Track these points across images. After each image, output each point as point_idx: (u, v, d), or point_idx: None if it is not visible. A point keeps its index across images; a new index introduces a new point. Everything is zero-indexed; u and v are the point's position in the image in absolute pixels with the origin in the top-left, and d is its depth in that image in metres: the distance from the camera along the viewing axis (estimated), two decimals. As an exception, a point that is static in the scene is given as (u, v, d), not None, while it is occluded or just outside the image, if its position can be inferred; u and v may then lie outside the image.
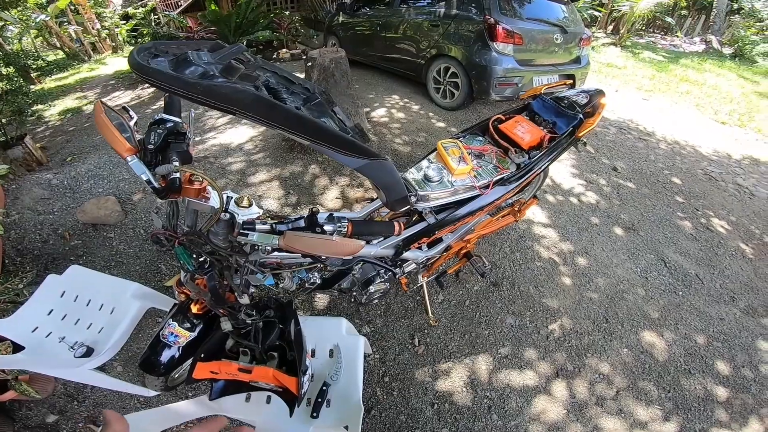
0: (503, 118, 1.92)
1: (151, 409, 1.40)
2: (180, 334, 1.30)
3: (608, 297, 2.38)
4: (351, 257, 1.33)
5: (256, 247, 1.02)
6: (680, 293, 2.49)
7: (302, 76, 3.58)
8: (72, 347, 1.55)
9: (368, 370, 1.92)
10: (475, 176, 1.63)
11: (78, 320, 1.66)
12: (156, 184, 0.93)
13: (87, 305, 1.68)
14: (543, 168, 1.79)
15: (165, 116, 1.04)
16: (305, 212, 1.12)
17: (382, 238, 1.51)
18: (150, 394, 1.74)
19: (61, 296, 1.71)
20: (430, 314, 2.14)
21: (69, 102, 6.28)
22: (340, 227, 1.01)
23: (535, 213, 2.96)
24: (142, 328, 2.12)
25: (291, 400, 1.16)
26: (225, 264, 1.04)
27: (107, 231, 2.59)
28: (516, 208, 2.08)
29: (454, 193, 1.59)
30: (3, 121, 3.56)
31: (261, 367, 1.16)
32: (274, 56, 7.25)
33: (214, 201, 1.03)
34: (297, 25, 7.50)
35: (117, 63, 7.76)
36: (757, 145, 4.67)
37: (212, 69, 0.83)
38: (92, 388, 1.88)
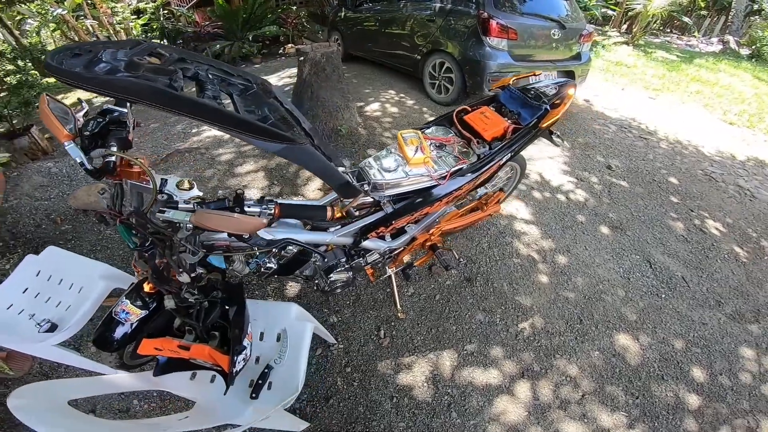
0: (469, 109, 1.91)
1: (86, 377, 1.45)
2: (131, 312, 1.35)
3: (585, 297, 2.33)
4: (272, 242, 1.35)
5: (178, 225, 1.06)
6: (663, 296, 2.42)
7: (296, 70, 3.62)
8: (38, 324, 1.60)
9: (331, 360, 1.94)
10: (432, 166, 1.63)
11: (49, 298, 1.73)
12: (89, 167, 1.00)
13: (59, 284, 1.75)
14: (506, 159, 1.78)
15: (111, 107, 1.13)
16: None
17: (338, 225, 1.54)
18: (109, 372, 1.80)
19: (37, 275, 1.78)
20: (399, 306, 2.14)
21: (81, 94, 6.49)
22: (266, 209, 1.05)
23: (518, 209, 2.93)
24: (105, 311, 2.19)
25: (227, 378, 1.20)
26: (167, 243, 1.09)
27: (96, 216, 2.68)
28: (483, 202, 2.05)
29: (409, 182, 1.59)
30: (10, 112, 3.72)
31: (199, 345, 1.20)
32: (281, 51, 7.34)
33: (152, 185, 1.09)
34: (303, 20, 7.57)
35: (129, 57, 7.98)
36: (764, 147, 4.51)
37: (120, 65, 0.90)
38: (66, 367, 1.93)
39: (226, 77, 1.20)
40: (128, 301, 1.36)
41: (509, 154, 1.78)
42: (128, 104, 1.15)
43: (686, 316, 2.32)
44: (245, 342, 1.24)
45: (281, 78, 5.46)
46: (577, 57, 4.33)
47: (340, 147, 3.37)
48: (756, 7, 10.74)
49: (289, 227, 1.44)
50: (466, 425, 1.73)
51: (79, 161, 0.99)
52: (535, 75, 2.02)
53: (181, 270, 1.10)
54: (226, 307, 1.30)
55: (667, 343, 2.15)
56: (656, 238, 2.86)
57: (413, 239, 1.85)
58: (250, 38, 6.86)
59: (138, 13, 8.56)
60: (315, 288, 1.75)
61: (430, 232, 1.89)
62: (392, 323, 2.11)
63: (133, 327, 1.37)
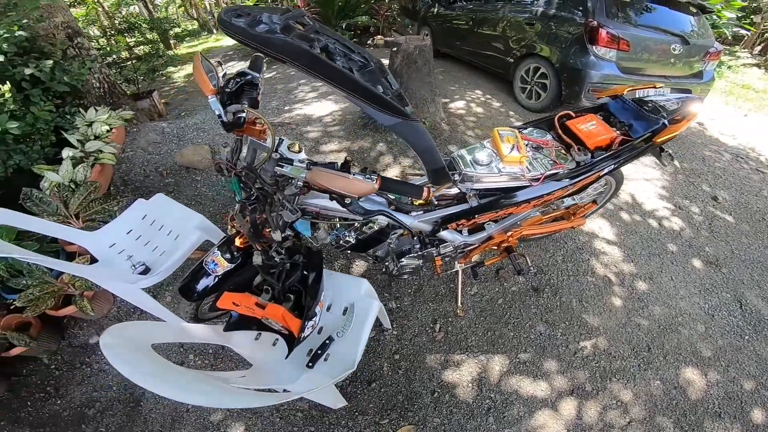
0: (573, 115, 1.79)
1: (167, 324, 1.57)
2: (219, 263, 1.46)
3: (660, 327, 2.13)
4: (369, 212, 1.38)
5: (290, 181, 1.12)
6: (746, 337, 2.14)
7: (387, 61, 3.68)
8: (133, 266, 1.79)
9: (382, 344, 1.96)
10: (526, 167, 1.56)
11: (148, 242, 1.93)
12: (225, 119, 1.12)
13: (159, 230, 1.95)
14: (607, 170, 1.64)
15: (246, 70, 1.25)
16: None
17: (420, 211, 1.54)
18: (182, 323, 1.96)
19: (142, 219, 2.01)
20: (459, 303, 2.11)
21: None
22: (369, 178, 1.08)
23: (601, 227, 2.72)
24: (193, 262, 2.40)
25: (292, 342, 1.25)
26: (268, 200, 1.17)
27: (196, 174, 2.99)
28: (571, 212, 1.92)
29: (500, 179, 1.55)
30: (139, 77, 4.27)
31: (274, 305, 1.25)
32: (370, 42, 7.50)
33: (270, 143, 1.17)
34: (394, 13, 7.65)
35: (236, 37, 8.70)
36: None
37: (276, 27, 1.00)
38: (139, 314, 2.13)
39: (348, 53, 1.26)
40: (219, 253, 1.48)
41: (612, 166, 1.65)
42: (261, 69, 1.25)
43: (766, 359, 2.04)
44: (316, 309, 1.29)
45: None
46: (698, 75, 3.87)
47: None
48: None
49: (375, 203, 1.46)
50: None
51: (217, 113, 1.11)
52: (655, 87, 1.83)
53: (277, 227, 1.17)
54: (305, 273, 1.35)
55: (737, 383, 1.93)
56: (753, 280, 2.50)
57: (490, 238, 1.79)
58: (343, 26, 7.10)
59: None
60: (383, 270, 1.77)
61: (509, 233, 1.81)
62: (449, 319, 2.09)
63: (215, 281, 1.48)
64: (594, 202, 2.13)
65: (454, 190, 1.66)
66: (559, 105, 3.95)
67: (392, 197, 1.50)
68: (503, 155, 1.54)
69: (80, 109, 2.87)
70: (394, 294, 2.17)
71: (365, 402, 1.78)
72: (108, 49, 4.44)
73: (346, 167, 1.15)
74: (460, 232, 1.74)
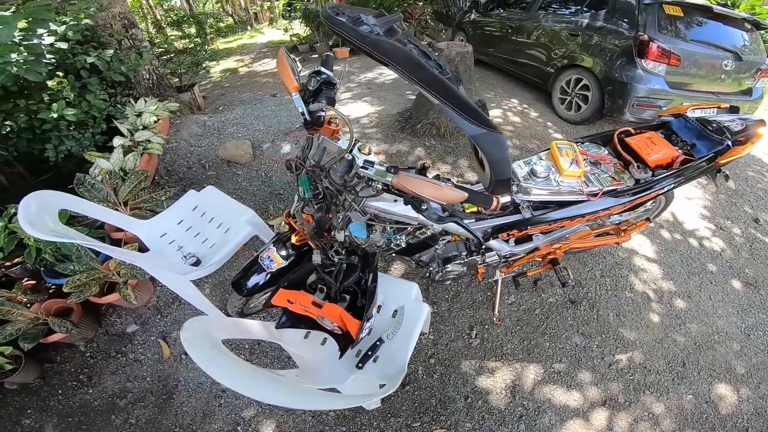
0: (632, 132, 1.77)
1: (229, 317, 1.60)
2: (275, 259, 1.49)
3: (696, 344, 2.13)
4: (442, 219, 1.39)
5: (369, 184, 1.14)
6: None
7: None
8: (185, 256, 1.79)
9: (418, 348, 1.96)
10: (584, 182, 1.54)
11: (198, 234, 1.94)
12: (307, 117, 1.16)
13: (209, 222, 1.97)
14: (666, 189, 1.62)
15: (321, 69, 1.29)
16: None
17: (473, 219, 1.54)
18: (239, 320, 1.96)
19: (193, 210, 2.03)
20: (496, 311, 2.12)
21: (229, 63, 7.39)
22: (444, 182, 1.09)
23: (641, 245, 2.68)
24: (238, 257, 2.45)
25: (346, 343, 1.25)
26: (334, 200, 1.19)
27: (237, 168, 3.05)
28: (622, 228, 1.90)
29: (557, 192, 1.54)
30: (182, 70, 4.39)
31: (332, 305, 1.26)
32: (406, 46, 7.53)
33: (342, 144, 1.19)
34: (428, 17, 7.65)
35: (271, 33, 8.87)
36: None
37: (377, 29, 1.02)
38: (177, 305, 2.18)
39: (426, 60, 1.27)
40: (275, 249, 1.50)
41: (672, 185, 1.62)
42: (345, 68, 1.28)
43: None
44: (373, 311, 1.30)
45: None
46: (748, 92, 3.75)
47: (460, 147, 3.36)
48: None
49: (439, 211, 1.46)
50: None
51: (300, 111, 1.15)
52: (719, 107, 1.79)
53: (342, 227, 1.19)
54: (362, 274, 1.36)
55: (767, 400, 1.94)
56: None
57: (536, 249, 1.78)
58: (378, 29, 7.15)
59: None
60: (426, 275, 1.78)
61: (556, 246, 1.80)
62: (486, 326, 2.10)
63: (267, 278, 1.51)
64: (648, 219, 2.09)
65: (506, 200, 1.65)
66: (600, 118, 3.89)
67: (445, 204, 1.50)
68: (562, 169, 1.53)
69: (130, 99, 2.97)
70: (432, 299, 2.18)
71: (398, 404, 1.79)
72: (157, 41, 4.60)
73: (422, 173, 1.15)
74: (507, 241, 1.74)
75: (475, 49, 5.69)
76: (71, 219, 2.08)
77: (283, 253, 1.49)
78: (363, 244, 1.51)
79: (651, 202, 2.05)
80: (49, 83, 2.49)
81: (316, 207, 1.22)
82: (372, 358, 1.37)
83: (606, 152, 1.73)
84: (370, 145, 1.22)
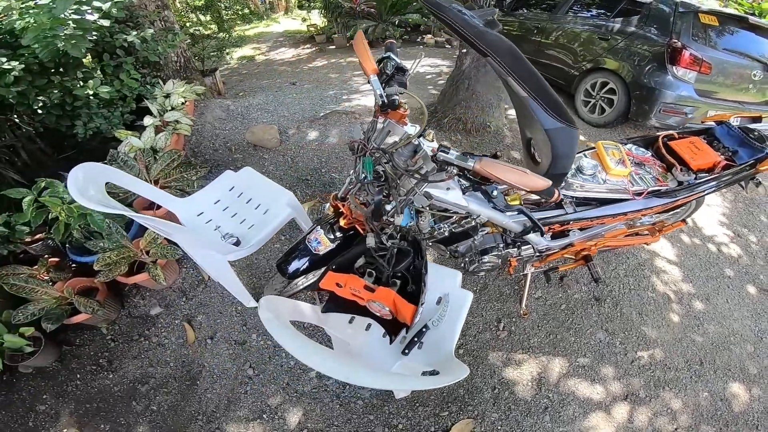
0: (676, 136, 1.80)
1: (290, 300, 1.60)
2: (322, 242, 1.50)
3: (713, 344, 2.21)
4: (510, 207, 1.42)
5: (445, 167, 1.14)
6: None
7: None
8: (224, 236, 1.78)
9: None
10: (630, 181, 1.58)
11: (235, 214, 1.94)
12: (385, 100, 1.17)
13: (247, 203, 1.97)
14: (707, 192, 1.68)
15: (391, 55, 1.31)
16: None
17: (515, 211, 1.55)
18: (249, 305, 1.96)
19: (230, 190, 2.04)
20: (524, 305, 2.16)
21: (246, 51, 7.38)
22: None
23: (663, 248, 2.74)
24: (280, 240, 2.46)
25: (396, 328, 1.24)
26: (394, 183, 1.20)
27: (263, 153, 3.07)
28: (657, 228, 1.94)
29: (603, 189, 1.57)
30: (210, 54, 4.38)
31: (385, 289, 1.24)
32: (419, 39, 7.52)
33: (409, 129, 1.20)
34: (449, 16, 7.62)
35: (287, 23, 8.85)
36: None
37: (477, 22, 1.03)
38: (203, 288, 2.17)
39: None
40: (322, 231, 1.51)
41: (714, 188, 1.67)
42: (421, 55, 1.29)
43: None
44: (424, 297, 1.31)
45: (421, 65, 5.59)
46: (772, 103, 3.74)
47: (485, 143, 3.37)
48: None
49: (480, 200, 1.47)
50: (555, 431, 1.74)
51: (378, 93, 1.15)
52: (762, 117, 1.83)
53: (400, 210, 1.20)
54: (412, 260, 1.37)
55: None
56: None
57: (570, 244, 1.80)
58: (395, 23, 7.12)
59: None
60: (462, 265, 1.79)
61: (590, 242, 1.82)
62: (513, 319, 2.14)
63: (311, 261, 1.51)
64: (683, 221, 2.12)
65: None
66: (624, 122, 3.90)
67: (495, 194, 1.50)
68: (608, 167, 1.56)
69: (160, 80, 2.98)
70: (461, 289, 2.21)
71: (426, 394, 1.80)
72: (188, 24, 4.60)
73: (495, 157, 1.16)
74: (544, 236, 1.75)
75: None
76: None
77: (331, 236, 1.50)
78: (408, 231, 1.51)
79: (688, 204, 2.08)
80: (84, 61, 2.50)
81: (377, 190, 1.23)
82: (417, 345, 1.38)
83: (650, 154, 1.75)
84: (432, 132, 1.23)
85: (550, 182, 1.04)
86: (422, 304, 1.24)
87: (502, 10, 5.58)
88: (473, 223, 1.55)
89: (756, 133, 1.74)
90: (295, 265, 1.53)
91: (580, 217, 1.60)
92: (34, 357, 1.71)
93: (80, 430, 1.69)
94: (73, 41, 1.90)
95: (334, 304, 1.33)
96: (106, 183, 1.57)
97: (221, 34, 4.90)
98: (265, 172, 2.88)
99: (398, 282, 1.34)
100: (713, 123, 1.89)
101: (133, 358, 1.90)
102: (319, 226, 1.53)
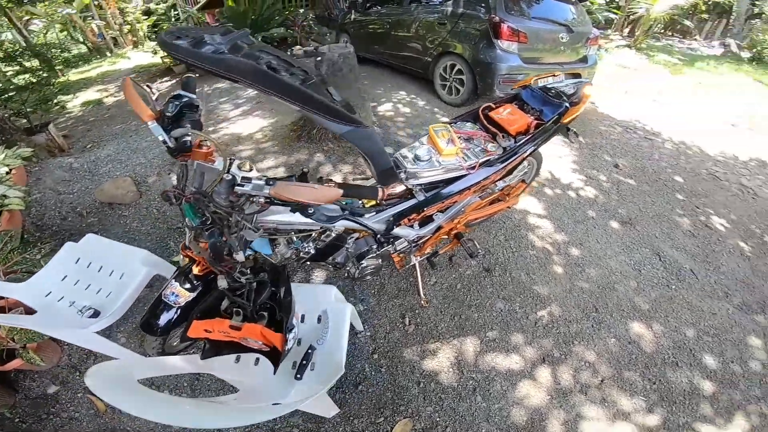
0: (493, 106, 2.01)
1: (147, 357, 1.49)
2: (180, 294, 1.41)
3: (599, 287, 2.40)
4: (332, 219, 1.44)
5: (251, 200, 1.13)
6: (673, 287, 2.50)
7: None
8: (80, 311, 1.64)
9: (359, 347, 2.00)
10: (462, 157, 1.72)
11: (89, 285, 1.76)
12: (171, 144, 1.10)
13: (98, 271, 1.79)
14: (529, 151, 1.87)
15: (182, 92, 1.23)
16: None
17: (373, 212, 1.61)
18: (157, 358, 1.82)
19: (76, 263, 1.83)
20: (422, 295, 2.21)
21: (91, 94, 6.52)
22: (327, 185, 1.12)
23: (531, 204, 3.02)
24: (147, 300, 2.24)
25: (276, 357, 1.24)
26: (225, 222, 1.16)
27: (122, 210, 2.75)
28: (505, 193, 2.15)
29: (441, 171, 1.68)
30: (28, 109, 3.77)
31: (251, 324, 1.25)
32: (289, 52, 7.41)
33: (219, 165, 1.15)
34: (311, 22, 7.65)
35: (138, 57, 8.03)
36: (766, 148, 4.61)
37: (222, 47, 1.00)
38: (94, 359, 1.96)
39: (289, 68, 1.28)
40: (177, 284, 1.42)
41: (533, 147, 1.89)
42: (203, 89, 1.23)
43: (696, 306, 2.39)
44: (293, 321, 1.30)
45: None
46: (584, 60, 4.44)
47: (357, 144, 3.45)
48: (757, 10, 10.88)
49: (331, 211, 1.51)
50: (491, 408, 1.79)
51: (161, 139, 1.08)
52: (554, 76, 2.12)
53: (238, 248, 1.17)
54: (273, 289, 1.36)
55: (680, 332, 2.22)
56: (664, 233, 2.95)
57: (439, 228, 1.93)
58: (259, 39, 6.94)
59: (148, 13, 8.63)
60: (345, 275, 1.82)
61: (456, 220, 1.97)
62: (416, 311, 2.18)
63: (178, 313, 1.42)
64: (523, 181, 2.38)
65: (400, 188, 1.76)
66: (477, 98, 4.28)
67: (344, 203, 1.56)
68: (441, 149, 1.69)
69: (-34, 154, 2.50)
70: (359, 297, 2.22)
71: (357, 405, 1.79)
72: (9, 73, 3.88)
73: (303, 179, 1.18)
74: (412, 226, 1.86)
75: (359, 47, 5.88)
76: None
77: (188, 285, 1.41)
78: (273, 259, 1.49)
79: (524, 165, 2.35)
80: None
81: (207, 234, 1.18)
82: (308, 367, 1.38)
83: (477, 128, 1.95)
84: (249, 161, 1.21)
85: (340, 191, 1.10)
86: (289, 330, 1.24)
87: (358, 11, 5.76)
88: (334, 235, 1.58)
89: (553, 91, 2.02)
90: (162, 321, 1.42)
91: (431, 201, 1.71)
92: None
93: None
94: None
95: (214, 347, 1.29)
96: None
97: (47, 82, 4.24)
98: (129, 231, 2.61)
99: (265, 314, 1.33)
100: (520, 88, 2.14)
101: (52, 436, 1.67)
102: (173, 279, 1.43)
